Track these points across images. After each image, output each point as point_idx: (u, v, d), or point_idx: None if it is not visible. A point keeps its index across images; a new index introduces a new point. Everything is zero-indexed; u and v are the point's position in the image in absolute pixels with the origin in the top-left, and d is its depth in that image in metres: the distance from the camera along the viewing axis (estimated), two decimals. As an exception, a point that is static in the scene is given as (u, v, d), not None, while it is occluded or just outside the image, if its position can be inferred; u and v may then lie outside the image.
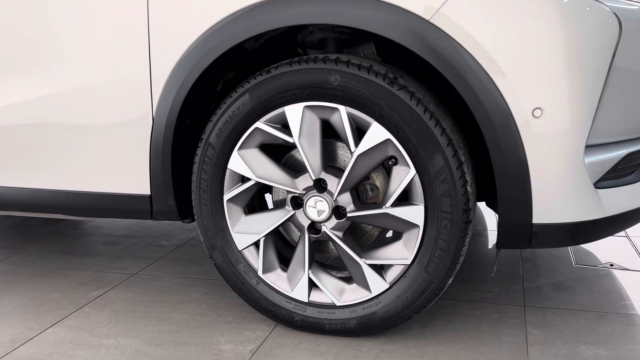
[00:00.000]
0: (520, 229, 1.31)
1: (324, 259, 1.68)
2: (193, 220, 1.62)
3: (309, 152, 1.39)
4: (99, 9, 1.50)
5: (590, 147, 1.28)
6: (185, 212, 1.61)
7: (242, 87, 1.41)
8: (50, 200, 1.71)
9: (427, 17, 1.23)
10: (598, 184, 1.30)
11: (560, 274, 1.87)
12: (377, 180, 1.45)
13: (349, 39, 1.53)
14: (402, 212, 1.35)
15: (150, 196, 1.59)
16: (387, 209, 1.36)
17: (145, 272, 2.05)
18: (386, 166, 1.42)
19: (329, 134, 1.43)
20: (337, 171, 1.43)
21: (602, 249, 2.05)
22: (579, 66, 1.21)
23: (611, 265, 1.91)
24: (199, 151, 1.49)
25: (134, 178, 1.58)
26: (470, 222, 1.32)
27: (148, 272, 2.06)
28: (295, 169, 1.51)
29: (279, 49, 1.61)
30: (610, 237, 2.07)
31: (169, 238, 2.43)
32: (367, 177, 1.42)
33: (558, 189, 1.26)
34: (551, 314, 1.59)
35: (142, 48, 1.46)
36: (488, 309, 1.64)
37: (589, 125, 1.24)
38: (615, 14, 1.23)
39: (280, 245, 1.59)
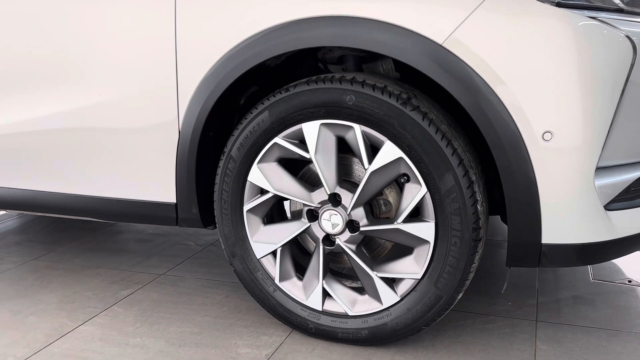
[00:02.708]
0: (529, 248, 1.33)
1: (340, 268, 1.73)
2: (215, 227, 1.69)
3: (324, 168, 1.44)
4: (130, 28, 1.58)
5: (602, 169, 1.29)
6: (208, 219, 1.69)
7: (262, 104, 1.47)
8: (83, 205, 1.81)
9: (440, 42, 1.26)
10: (609, 206, 1.31)
11: (576, 289, 1.87)
12: (390, 195, 1.49)
13: (367, 56, 1.57)
14: (413, 228, 1.39)
15: (176, 204, 1.67)
16: (399, 224, 1.40)
17: (171, 273, 2.14)
18: (399, 182, 1.46)
19: (345, 149, 1.48)
20: (352, 186, 1.48)
21: (622, 265, 2.04)
22: (591, 91, 1.22)
23: (630, 281, 1.90)
24: (221, 164, 1.57)
25: (161, 187, 1.67)
26: (480, 240, 1.36)
27: (174, 272, 2.15)
28: (311, 182, 1.56)
29: (300, 64, 1.66)
30: (631, 252, 2.05)
31: (196, 239, 2.53)
32: (380, 192, 1.46)
33: (567, 211, 1.28)
34: (563, 330, 1.61)
35: (169, 65, 1.54)
36: (500, 323, 1.66)
37: (599, 149, 1.25)
38: (629, 37, 1.23)
39: (297, 253, 1.65)
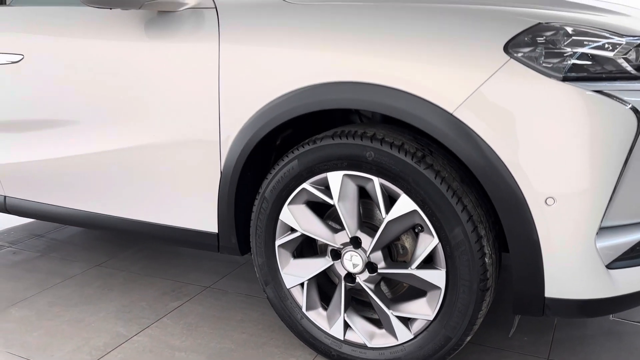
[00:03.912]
0: (533, 299, 1.42)
1: (363, 298, 1.87)
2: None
3: (346, 214, 1.58)
4: (182, 83, 1.75)
5: (605, 229, 1.36)
6: (245, 248, 1.87)
7: (292, 153, 1.63)
8: (138, 228, 2.03)
9: (450, 110, 1.36)
10: (612, 265, 1.38)
11: (594, 327, 1.93)
12: (406, 241, 1.62)
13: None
14: (425, 274, 1.51)
15: (218, 234, 1.86)
16: (413, 270, 1.52)
17: (216, 286, 2.36)
18: (415, 229, 1.58)
19: (367, 194, 1.60)
20: (371, 230, 1.61)
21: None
22: (594, 161, 1.29)
23: (651, 321, 1.93)
24: (256, 202, 1.73)
25: (205, 218, 1.86)
26: (487, 290, 1.46)
27: (219, 285, 2.36)
28: (337, 220, 1.70)
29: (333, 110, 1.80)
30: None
31: (241, 251, 2.73)
32: (397, 237, 1.59)
33: (569, 269, 1.36)
34: (574, 369, 1.69)
35: (213, 116, 1.71)
36: (513, 359, 1.75)
37: (601, 213, 1.32)
38: (634, 109, 1.29)
39: (324, 281, 1.80)
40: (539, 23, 1.34)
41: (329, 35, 1.52)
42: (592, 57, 1.31)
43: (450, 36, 1.39)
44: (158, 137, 1.85)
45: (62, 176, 2.13)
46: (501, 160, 1.34)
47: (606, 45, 1.32)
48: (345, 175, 1.56)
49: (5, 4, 2.22)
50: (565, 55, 1.31)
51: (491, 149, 1.34)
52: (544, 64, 1.30)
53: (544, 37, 1.32)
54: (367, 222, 1.65)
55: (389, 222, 1.51)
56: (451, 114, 1.36)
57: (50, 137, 2.09)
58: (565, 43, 1.32)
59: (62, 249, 2.87)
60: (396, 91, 1.41)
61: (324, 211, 1.73)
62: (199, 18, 1.73)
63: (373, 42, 1.46)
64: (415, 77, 1.39)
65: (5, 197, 2.34)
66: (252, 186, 1.81)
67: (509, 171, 1.34)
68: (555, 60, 1.31)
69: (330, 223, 1.70)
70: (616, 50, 1.31)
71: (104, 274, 2.52)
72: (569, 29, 1.33)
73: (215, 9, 1.71)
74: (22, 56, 2.04)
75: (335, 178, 1.57)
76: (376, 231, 1.57)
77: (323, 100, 1.51)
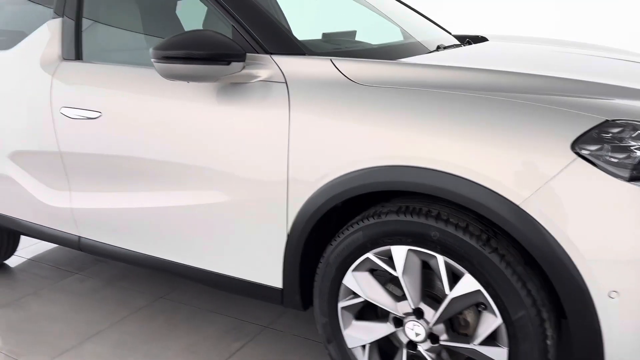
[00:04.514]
0: (595, 382, 1.46)
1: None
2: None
3: (409, 286, 1.65)
4: (251, 143, 1.84)
5: (671, 321, 1.39)
6: (307, 304, 1.96)
7: (358, 225, 1.70)
8: (205, 277, 2.15)
9: (518, 203, 1.41)
10: (677, 356, 1.40)
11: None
12: (469, 316, 1.67)
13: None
14: (487, 350, 1.56)
15: (282, 290, 1.95)
16: (475, 346, 1.58)
17: (275, 326, 2.46)
18: (478, 306, 1.63)
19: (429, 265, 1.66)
20: (434, 300, 1.67)
21: None
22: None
23: None
24: (321, 266, 1.82)
25: (270, 274, 1.95)
26: (549, 370, 1.50)
27: (278, 325, 2.46)
28: (398, 286, 1.77)
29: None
30: None
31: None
32: (460, 311, 1.64)
33: (628, 356, 1.40)
34: None
35: (283, 184, 1.79)
36: None
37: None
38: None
39: (385, 341, 1.88)
40: (606, 120, 1.37)
41: (398, 119, 1.58)
42: (662, 155, 1.33)
43: (520, 130, 1.42)
44: (227, 196, 1.94)
45: (133, 223, 2.26)
46: (567, 254, 1.37)
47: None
48: (409, 250, 1.62)
49: (81, 59, 2.37)
50: (632, 153, 1.33)
51: (557, 242, 1.38)
52: (610, 163, 1.33)
53: (611, 135, 1.35)
54: (429, 291, 1.72)
55: (453, 298, 1.57)
56: (518, 206, 1.41)
57: (125, 189, 2.22)
58: (633, 141, 1.34)
59: (126, 277, 3.03)
60: (464, 180, 1.46)
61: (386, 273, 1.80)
62: (270, 89, 1.81)
63: (443, 130, 1.51)
64: (484, 169, 1.44)
65: (79, 237, 2.50)
66: (316, 246, 1.89)
67: (574, 264, 1.37)
68: (622, 158, 1.33)
69: (392, 288, 1.77)
70: None
71: (168, 308, 2.67)
72: (637, 125, 1.35)
73: (285, 83, 1.80)
74: (99, 113, 2.18)
75: (399, 252, 1.64)
76: (438, 302, 1.63)
77: (390, 182, 1.57)
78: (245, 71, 1.84)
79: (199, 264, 2.15)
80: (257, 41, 1.91)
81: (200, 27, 2.65)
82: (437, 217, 1.55)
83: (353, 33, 2.75)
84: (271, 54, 1.88)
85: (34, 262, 3.35)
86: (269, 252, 1.92)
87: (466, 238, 1.51)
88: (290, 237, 1.85)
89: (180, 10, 2.70)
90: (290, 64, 1.83)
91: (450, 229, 1.53)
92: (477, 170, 1.45)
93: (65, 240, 2.56)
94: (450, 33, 2.93)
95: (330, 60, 1.78)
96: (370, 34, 2.76)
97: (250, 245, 1.97)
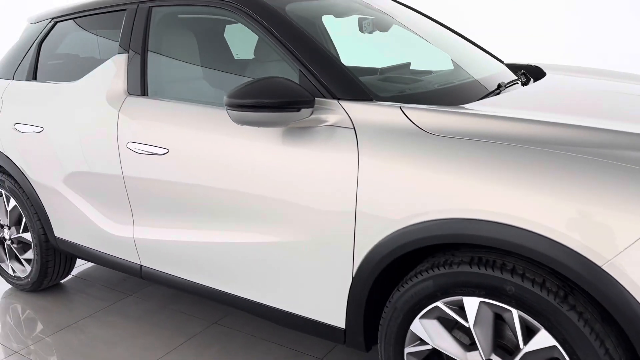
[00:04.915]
0: None
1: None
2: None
3: (481, 338, 1.65)
4: (318, 185, 1.86)
5: None
6: (370, 345, 1.98)
7: (427, 273, 1.71)
8: (267, 312, 2.18)
9: (600, 264, 1.40)
10: None
11: None
12: (542, 370, 1.66)
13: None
14: (562, 406, 1.56)
15: (345, 330, 1.98)
16: (549, 400, 1.58)
17: (329, 358, 2.48)
18: None
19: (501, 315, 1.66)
20: (505, 352, 1.67)
21: None
22: None
23: None
24: (387, 311, 1.84)
25: (333, 313, 1.98)
26: None
27: (332, 358, 2.49)
28: (466, 333, 1.77)
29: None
30: None
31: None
32: (532, 364, 1.64)
33: None
34: None
35: (349, 224, 1.81)
36: None
37: None
38: None
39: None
40: None
41: (472, 171, 1.58)
42: None
43: (603, 189, 1.41)
44: (292, 236, 1.97)
45: (197, 257, 2.31)
46: (649, 316, 1.37)
47: None
48: (482, 302, 1.63)
49: (146, 94, 2.43)
50: None
51: (637, 302, 1.37)
52: None
53: None
54: (500, 342, 1.71)
55: (526, 353, 1.57)
56: (600, 267, 1.40)
57: (188, 224, 2.28)
58: None
59: (179, 300, 3.10)
60: (542, 237, 1.47)
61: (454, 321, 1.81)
62: (337, 133, 1.84)
63: (519, 185, 1.51)
64: (565, 228, 1.44)
65: (141, 266, 2.57)
66: (380, 288, 1.91)
67: (657, 327, 1.37)
68: None
69: (459, 335, 1.77)
70: None
71: (223, 335, 2.71)
72: None
73: (353, 129, 1.82)
74: (166, 150, 2.24)
75: (471, 303, 1.64)
76: (510, 353, 1.63)
77: (462, 235, 1.58)
78: (313, 116, 1.88)
79: (259, 299, 2.19)
80: (324, 86, 1.94)
81: (250, 51, 2.70)
82: (513, 271, 1.56)
83: (407, 65, 2.76)
84: (339, 99, 1.91)
85: (86, 281, 3.45)
86: (333, 292, 1.95)
87: (543, 294, 1.51)
88: (355, 280, 1.87)
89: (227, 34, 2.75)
90: (359, 111, 1.85)
91: (527, 285, 1.53)
92: (557, 228, 1.45)
93: (127, 268, 2.64)
94: (502, 61, 2.91)
95: (400, 108, 1.80)
96: (422, 63, 2.77)
97: (314, 285, 2.00)
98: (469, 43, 2.91)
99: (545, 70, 2.73)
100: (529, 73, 2.72)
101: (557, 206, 1.46)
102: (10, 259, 3.30)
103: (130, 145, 2.36)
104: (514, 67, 2.80)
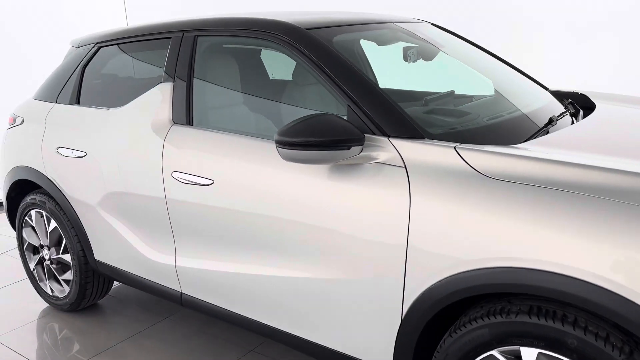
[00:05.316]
0: None
1: None
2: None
3: (539, 389, 1.61)
4: (367, 222, 1.84)
5: None
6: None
7: (483, 320, 1.67)
8: (306, 346, 2.16)
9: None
10: None
11: None
12: None
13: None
14: None
15: (391, 372, 1.94)
16: None
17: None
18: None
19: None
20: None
21: None
22: None
23: None
24: (438, 356, 1.79)
25: (379, 354, 1.94)
26: None
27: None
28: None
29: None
30: None
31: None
32: (592, 419, 1.59)
33: None
34: None
35: (399, 264, 1.78)
36: None
37: None
38: None
39: None
40: None
41: (529, 218, 1.54)
42: None
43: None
44: (338, 272, 1.95)
45: (239, 288, 2.30)
46: None
47: None
48: (540, 353, 1.58)
49: (192, 124, 2.44)
50: None
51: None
52: None
53: None
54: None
55: (587, 404, 1.52)
56: (624, 297, 1.35)
57: (232, 254, 2.27)
58: None
59: (215, 324, 3.09)
60: (604, 290, 1.42)
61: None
62: (387, 171, 1.81)
63: (580, 234, 1.46)
64: (627, 281, 1.39)
65: (182, 293, 2.57)
66: (429, 332, 1.87)
67: None
68: None
69: (513, 383, 1.73)
70: None
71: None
72: None
73: (405, 168, 1.79)
74: (211, 181, 2.24)
75: (529, 354, 1.59)
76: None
77: (518, 285, 1.54)
78: (363, 154, 1.86)
79: (302, 334, 2.17)
80: (374, 123, 1.92)
81: (288, 73, 2.69)
82: (575, 324, 1.51)
83: (451, 94, 2.72)
84: (389, 136, 1.88)
85: (122, 302, 3.46)
86: (381, 333, 1.92)
87: (607, 350, 1.45)
88: (404, 322, 1.83)
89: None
90: (410, 150, 1.83)
91: (590, 339, 1.48)
92: (619, 281, 1.40)
93: (167, 295, 2.64)
94: (547, 88, 2.85)
95: (455, 149, 1.77)
96: (467, 91, 2.72)
97: (361, 324, 1.97)
98: (516, 71, 2.86)
99: (593, 100, 2.67)
100: (576, 102, 2.66)
101: (622, 259, 1.41)
102: (49, 279, 3.33)
103: (175, 175, 2.37)
104: (559, 95, 2.74)
